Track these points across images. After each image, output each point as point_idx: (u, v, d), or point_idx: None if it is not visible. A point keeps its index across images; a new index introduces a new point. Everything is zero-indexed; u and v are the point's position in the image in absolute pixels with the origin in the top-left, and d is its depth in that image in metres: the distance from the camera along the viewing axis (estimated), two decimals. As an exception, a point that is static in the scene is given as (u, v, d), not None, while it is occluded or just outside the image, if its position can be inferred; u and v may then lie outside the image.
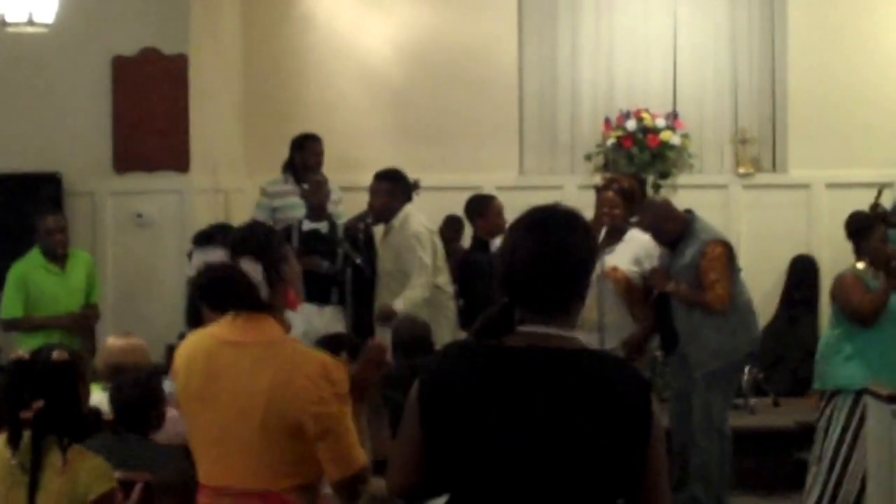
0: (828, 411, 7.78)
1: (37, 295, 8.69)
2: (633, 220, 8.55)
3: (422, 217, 8.96)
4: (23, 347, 6.68)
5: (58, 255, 8.75)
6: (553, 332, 3.04)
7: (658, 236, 8.26)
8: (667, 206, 8.46)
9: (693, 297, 8.08)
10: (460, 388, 3.02)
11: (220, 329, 3.87)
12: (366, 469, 3.77)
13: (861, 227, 8.18)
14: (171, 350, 6.86)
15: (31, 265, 8.75)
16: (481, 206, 8.82)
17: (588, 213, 7.63)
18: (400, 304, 8.45)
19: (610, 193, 8.52)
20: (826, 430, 7.76)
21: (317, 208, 9.24)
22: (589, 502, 2.97)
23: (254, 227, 4.23)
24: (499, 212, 8.77)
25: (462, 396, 3.01)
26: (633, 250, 8.37)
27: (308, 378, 3.69)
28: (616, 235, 8.33)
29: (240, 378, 3.75)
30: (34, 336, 8.27)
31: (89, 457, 4.21)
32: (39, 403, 4.16)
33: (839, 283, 7.86)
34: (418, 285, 8.58)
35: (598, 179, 9.79)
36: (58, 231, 8.73)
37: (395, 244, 8.71)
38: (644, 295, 8.38)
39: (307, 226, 9.09)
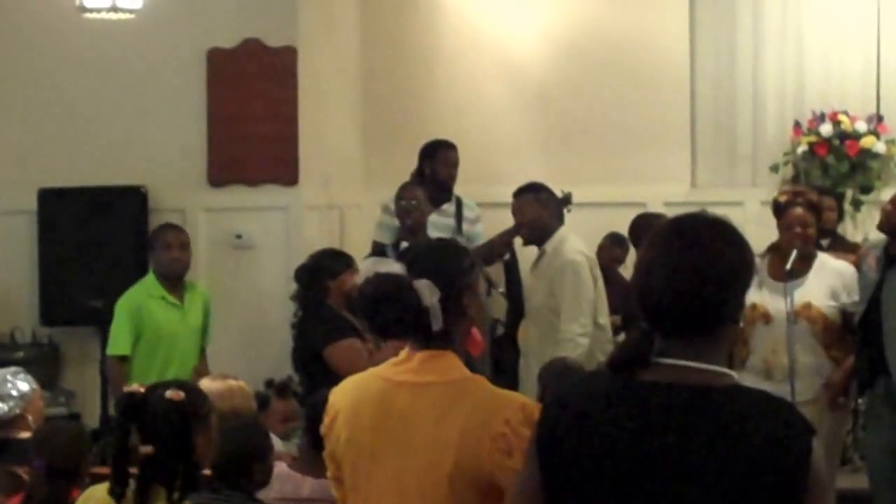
0: None
1: (153, 329, 8.15)
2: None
3: (579, 241, 8.45)
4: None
5: (177, 282, 8.25)
6: (696, 366, 2.89)
7: None
8: None
9: None
10: (582, 425, 2.95)
11: (390, 369, 3.68)
12: None
13: None
14: (263, 396, 7.19)
15: (146, 294, 8.21)
16: (650, 227, 7.69)
17: (771, 234, 7.48)
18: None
19: (799, 209, 7.68)
20: None
21: (410, 229, 9.02)
22: None
23: (438, 245, 4.08)
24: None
25: (583, 435, 2.93)
26: (828, 280, 7.53)
27: (507, 425, 3.45)
28: (806, 262, 7.51)
29: (422, 426, 3.56)
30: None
31: None
32: (149, 449, 4.09)
33: None
34: (577, 334, 8.02)
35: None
36: (179, 247, 8.21)
37: (547, 274, 8.23)
38: (844, 333, 7.57)
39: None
